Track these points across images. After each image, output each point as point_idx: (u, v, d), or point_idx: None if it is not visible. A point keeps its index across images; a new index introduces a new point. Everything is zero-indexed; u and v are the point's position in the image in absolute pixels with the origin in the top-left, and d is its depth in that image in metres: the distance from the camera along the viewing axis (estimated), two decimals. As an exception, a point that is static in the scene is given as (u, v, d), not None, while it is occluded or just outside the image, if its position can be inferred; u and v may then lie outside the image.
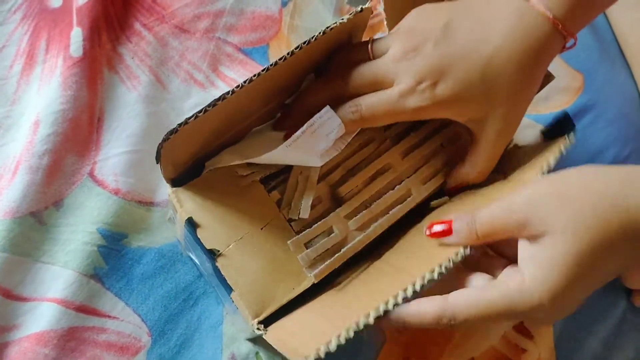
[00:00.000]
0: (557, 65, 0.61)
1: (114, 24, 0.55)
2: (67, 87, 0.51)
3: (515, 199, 0.35)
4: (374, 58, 0.44)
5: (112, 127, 0.52)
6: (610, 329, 0.53)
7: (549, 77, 0.46)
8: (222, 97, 0.38)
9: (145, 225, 0.50)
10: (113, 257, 0.48)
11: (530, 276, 0.33)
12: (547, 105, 0.59)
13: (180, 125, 0.38)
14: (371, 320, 0.34)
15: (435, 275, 0.35)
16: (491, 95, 0.41)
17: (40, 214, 0.48)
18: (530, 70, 0.41)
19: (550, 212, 0.33)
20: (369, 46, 0.44)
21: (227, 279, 0.40)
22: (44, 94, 0.52)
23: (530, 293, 0.33)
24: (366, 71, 0.43)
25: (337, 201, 0.44)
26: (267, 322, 0.39)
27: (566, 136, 0.43)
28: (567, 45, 0.42)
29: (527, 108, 0.43)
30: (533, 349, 0.51)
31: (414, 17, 0.43)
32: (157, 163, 0.40)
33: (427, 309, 0.34)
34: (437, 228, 0.38)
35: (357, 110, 0.42)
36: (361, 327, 0.33)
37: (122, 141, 0.51)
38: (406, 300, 0.34)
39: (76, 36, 0.53)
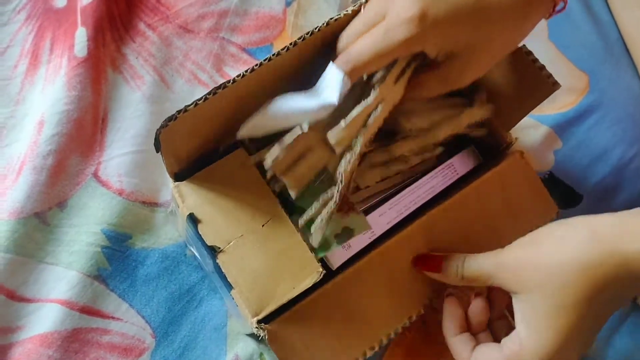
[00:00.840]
0: (562, 66, 0.61)
1: (117, 24, 0.55)
2: (72, 88, 0.51)
3: (502, 259, 0.38)
4: None
5: (116, 128, 0.52)
6: (615, 327, 0.53)
7: (554, 86, 0.45)
8: (223, 85, 0.38)
9: (149, 226, 0.50)
10: (117, 258, 0.48)
11: (525, 339, 0.36)
12: (552, 105, 0.59)
13: (179, 112, 0.37)
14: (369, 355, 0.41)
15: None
16: (481, 25, 0.39)
17: (44, 215, 0.48)
18: (521, 11, 0.39)
19: (523, 279, 0.37)
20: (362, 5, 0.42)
21: (227, 276, 0.39)
22: (49, 94, 0.52)
23: (529, 356, 0.36)
24: (357, 20, 0.41)
25: (330, 148, 0.41)
26: (267, 319, 0.39)
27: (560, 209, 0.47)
28: (557, 8, 0.40)
29: (508, 51, 0.42)
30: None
31: None
32: (157, 152, 0.39)
33: None
34: (426, 264, 0.42)
35: (348, 61, 0.39)
36: None
37: (126, 141, 0.51)
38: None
39: (80, 36, 0.53)
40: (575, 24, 0.63)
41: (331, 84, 0.39)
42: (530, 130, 0.57)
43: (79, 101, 0.51)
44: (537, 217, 0.47)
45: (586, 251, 0.35)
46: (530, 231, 0.44)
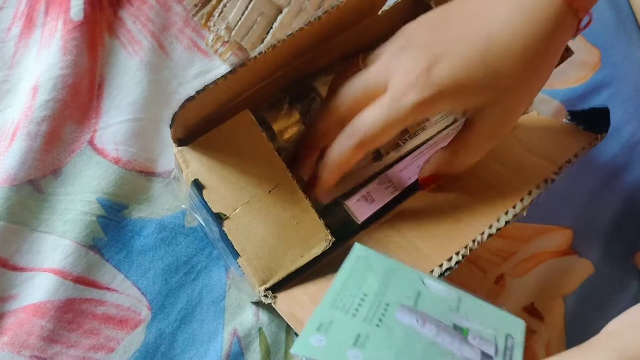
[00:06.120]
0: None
1: (115, -14, 0.53)
2: (67, 52, 0.49)
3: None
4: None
5: (112, 94, 0.50)
6: (622, 311, 0.52)
7: (567, 52, 0.44)
8: (244, 63, 0.37)
9: (146, 196, 0.49)
10: (112, 228, 0.47)
11: None
12: (563, 80, 0.57)
13: (198, 92, 0.36)
14: None
15: (454, 264, 0.36)
16: (495, 78, 0.35)
17: (38, 182, 0.47)
18: (539, 49, 0.35)
19: None
20: (359, 59, 0.40)
21: (233, 244, 0.39)
22: (44, 59, 0.50)
23: None
24: (356, 83, 0.38)
25: None
26: (275, 288, 0.39)
27: (598, 135, 0.43)
28: (582, 24, 0.37)
29: (535, 95, 0.38)
30: (543, 331, 0.50)
31: (410, 23, 0.39)
32: (170, 128, 0.38)
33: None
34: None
35: (352, 135, 0.37)
36: None
37: (123, 109, 0.50)
38: None
39: (77, -2, 0.51)
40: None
41: None
42: (541, 105, 0.56)
43: (74, 66, 0.49)
44: (569, 148, 0.44)
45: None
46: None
